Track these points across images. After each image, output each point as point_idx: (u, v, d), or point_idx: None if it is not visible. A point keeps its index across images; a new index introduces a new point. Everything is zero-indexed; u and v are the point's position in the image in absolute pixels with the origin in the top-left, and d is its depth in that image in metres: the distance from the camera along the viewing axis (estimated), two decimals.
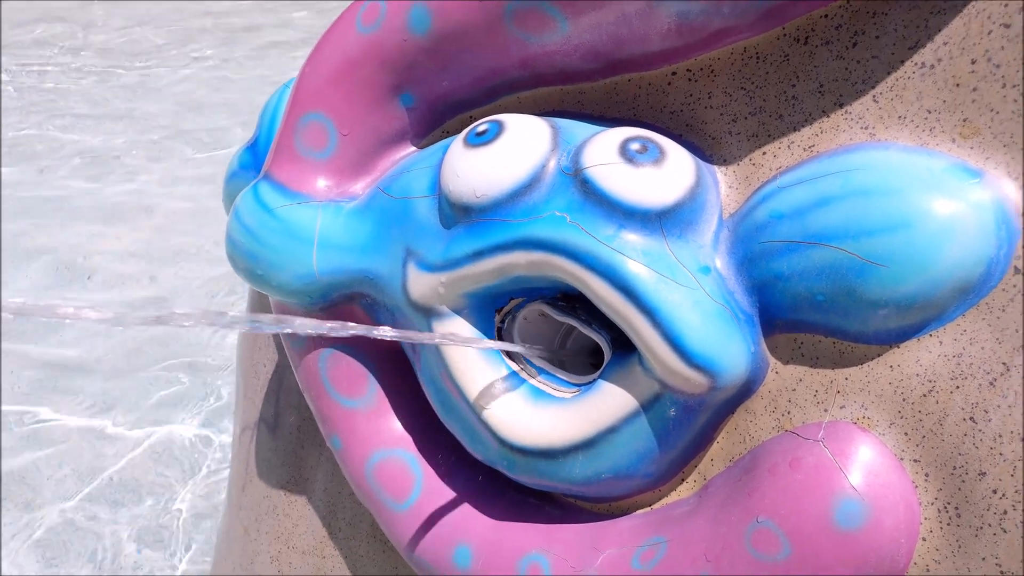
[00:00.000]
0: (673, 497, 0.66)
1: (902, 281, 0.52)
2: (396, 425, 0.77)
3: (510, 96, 0.71)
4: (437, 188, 0.66)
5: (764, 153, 0.60)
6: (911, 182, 0.53)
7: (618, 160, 0.59)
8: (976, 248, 0.52)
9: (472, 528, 0.70)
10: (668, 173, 0.59)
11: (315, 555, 0.91)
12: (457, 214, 0.64)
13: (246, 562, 0.98)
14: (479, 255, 0.62)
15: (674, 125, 0.64)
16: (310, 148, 0.73)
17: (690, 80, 0.63)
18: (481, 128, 0.64)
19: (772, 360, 0.60)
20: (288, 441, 0.93)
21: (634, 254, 0.58)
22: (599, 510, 0.69)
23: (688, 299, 0.58)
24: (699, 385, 0.58)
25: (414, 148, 0.75)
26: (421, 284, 0.66)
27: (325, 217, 0.72)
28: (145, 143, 3.13)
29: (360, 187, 0.74)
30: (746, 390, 0.61)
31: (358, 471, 0.77)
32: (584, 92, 0.68)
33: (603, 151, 0.60)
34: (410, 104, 0.72)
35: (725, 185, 0.62)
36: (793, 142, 0.59)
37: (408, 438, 0.76)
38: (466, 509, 0.71)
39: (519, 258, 0.61)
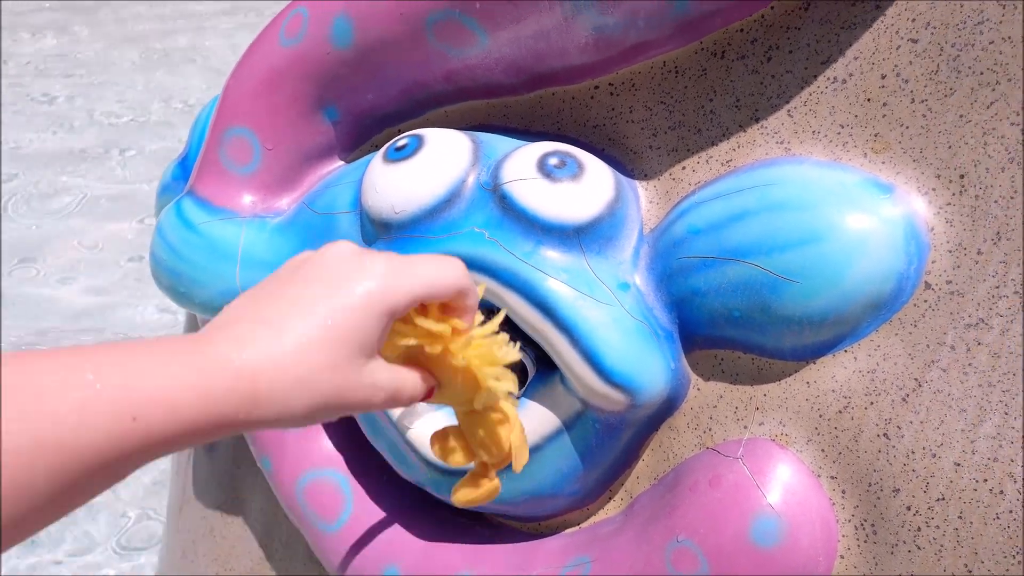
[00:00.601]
0: (601, 516, 0.65)
1: (814, 296, 0.52)
2: (327, 445, 0.75)
3: (437, 110, 0.70)
4: (359, 204, 0.65)
5: (683, 167, 0.60)
6: (824, 197, 0.53)
7: (536, 175, 0.58)
8: (886, 263, 0.51)
9: (401, 549, 0.69)
10: (587, 188, 0.58)
11: None
12: (378, 230, 0.63)
13: None
14: None
15: (597, 139, 0.64)
16: (234, 163, 0.72)
17: (612, 94, 0.62)
18: (401, 143, 0.63)
19: (694, 377, 0.59)
20: (224, 462, 0.91)
21: (552, 271, 0.57)
22: (528, 529, 0.68)
23: (607, 316, 0.57)
24: (619, 403, 0.57)
25: (342, 162, 0.73)
26: None
27: (249, 233, 0.71)
28: None
29: (286, 202, 0.73)
30: (668, 407, 0.60)
31: (288, 492, 0.75)
32: (509, 106, 0.67)
33: (521, 166, 0.59)
34: (335, 118, 0.71)
35: (646, 200, 0.61)
36: (711, 156, 0.59)
37: (339, 458, 0.75)
38: (396, 530, 0.70)
39: None
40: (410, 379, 0.40)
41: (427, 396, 0.42)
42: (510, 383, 0.42)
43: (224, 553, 0.91)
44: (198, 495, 0.95)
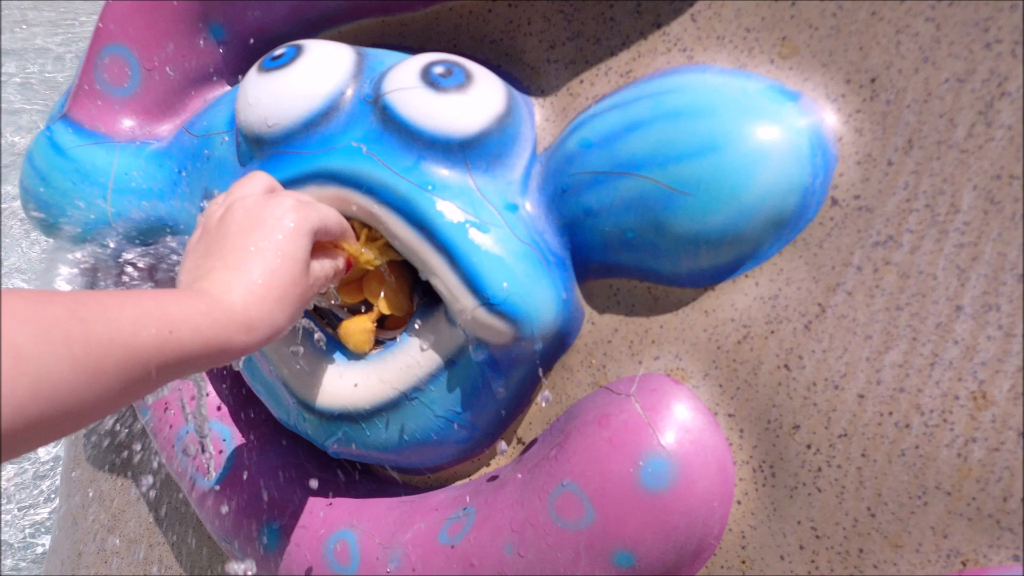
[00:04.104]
0: (493, 467, 0.60)
1: (710, 211, 0.47)
2: (210, 394, 0.69)
3: (331, 30, 0.65)
4: (235, 122, 0.60)
5: (581, 81, 0.55)
6: (723, 104, 0.48)
7: (419, 85, 0.53)
8: (789, 176, 0.47)
9: (283, 504, 0.64)
10: (474, 99, 0.53)
11: (143, 542, 0.83)
12: (252, 148, 0.57)
13: (74, 554, 0.89)
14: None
15: (494, 56, 0.58)
16: (110, 84, 0.66)
17: (510, 6, 0.57)
18: (278, 52, 0.57)
19: (588, 309, 0.54)
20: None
21: (433, 188, 0.52)
22: (418, 483, 0.63)
23: (491, 239, 0.52)
24: (504, 334, 0.52)
25: (229, 88, 0.68)
26: None
27: (123, 159, 0.65)
28: None
29: (168, 128, 0.67)
30: (561, 343, 0.55)
31: (167, 443, 0.69)
32: (405, 24, 0.62)
33: (404, 76, 0.54)
34: (221, 37, 0.65)
35: (541, 117, 0.56)
36: (611, 68, 0.54)
37: (224, 410, 0.69)
38: (278, 485, 0.64)
39: (313, 194, 0.54)
40: (328, 263, 0.50)
41: (348, 266, 0.53)
42: (372, 255, 0.54)
43: (112, 518, 0.85)
44: (89, 458, 0.88)
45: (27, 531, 1.40)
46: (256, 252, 0.45)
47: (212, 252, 0.46)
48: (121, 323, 0.37)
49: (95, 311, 0.36)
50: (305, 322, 0.57)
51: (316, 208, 0.49)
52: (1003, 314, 0.43)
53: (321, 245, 0.51)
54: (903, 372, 0.44)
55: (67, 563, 0.90)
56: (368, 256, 0.54)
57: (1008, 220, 0.43)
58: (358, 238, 0.54)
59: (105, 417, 0.41)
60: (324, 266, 0.50)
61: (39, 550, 1.36)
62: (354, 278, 0.56)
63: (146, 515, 0.82)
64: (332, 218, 0.51)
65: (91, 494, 0.87)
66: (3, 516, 1.41)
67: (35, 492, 1.47)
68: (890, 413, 0.45)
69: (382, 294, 0.56)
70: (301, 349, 0.59)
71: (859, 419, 0.45)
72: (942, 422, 0.44)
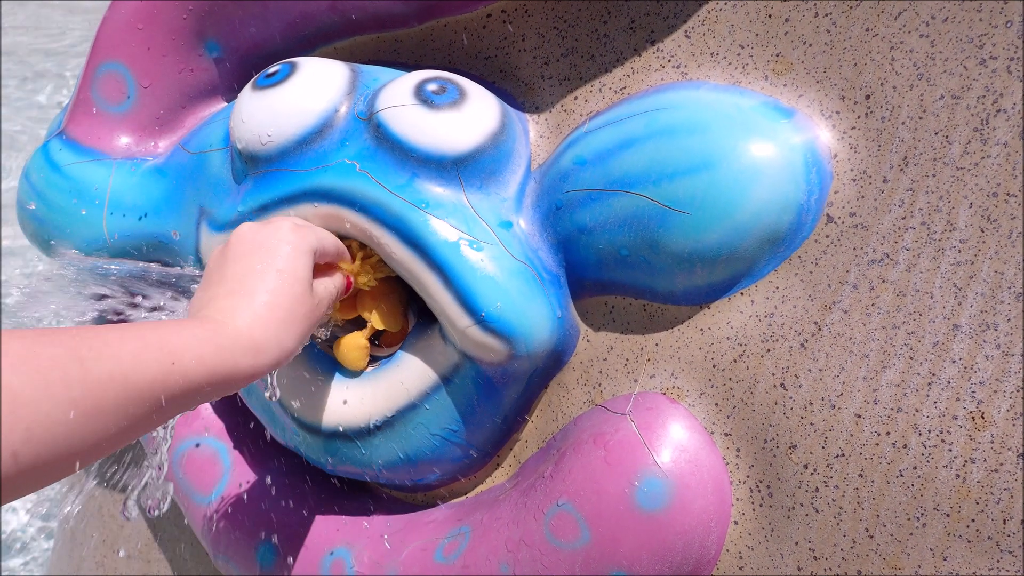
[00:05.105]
0: (489, 484, 0.59)
1: (705, 229, 0.47)
2: (207, 411, 0.69)
3: (327, 46, 0.65)
4: (230, 139, 0.59)
5: (576, 98, 0.55)
6: (717, 121, 0.47)
7: (413, 102, 0.53)
8: (784, 193, 0.46)
9: (279, 522, 0.63)
10: (468, 117, 0.53)
11: (140, 559, 0.83)
12: (247, 165, 0.57)
13: (73, 569, 0.89)
14: (265, 210, 0.55)
15: (488, 72, 0.58)
16: (107, 101, 0.66)
17: (505, 22, 0.57)
18: (272, 70, 0.57)
19: (583, 327, 0.54)
20: None
21: (427, 206, 0.52)
22: (415, 501, 0.62)
23: (484, 256, 0.51)
24: (498, 352, 0.52)
25: (225, 104, 0.68)
26: (214, 246, 0.59)
27: (119, 176, 0.65)
28: None
29: (164, 144, 0.67)
30: (556, 361, 0.54)
31: (165, 459, 0.69)
32: (400, 40, 0.62)
33: (398, 93, 0.54)
34: (217, 54, 0.65)
35: (536, 134, 0.56)
36: (605, 84, 0.54)
37: (220, 424, 0.69)
38: (273, 503, 0.64)
39: (306, 212, 0.54)
40: (332, 282, 0.51)
41: (349, 285, 0.53)
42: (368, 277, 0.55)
43: (113, 533, 0.85)
44: (88, 472, 0.88)
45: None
46: (256, 275, 0.45)
47: (213, 282, 0.46)
48: (122, 358, 0.36)
49: (95, 348, 0.36)
50: None
51: (313, 230, 0.50)
52: (1001, 333, 0.42)
53: (320, 267, 0.51)
54: (900, 392, 0.44)
55: None
56: (364, 277, 0.54)
57: (1005, 238, 0.42)
58: (354, 259, 0.54)
59: (111, 453, 0.39)
60: (327, 286, 0.49)
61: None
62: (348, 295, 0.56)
63: (145, 531, 0.82)
64: (329, 240, 0.51)
65: (89, 509, 0.87)
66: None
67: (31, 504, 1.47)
68: (887, 433, 0.44)
69: (374, 311, 0.55)
70: (296, 365, 0.58)
71: (856, 439, 0.45)
72: (940, 442, 0.43)
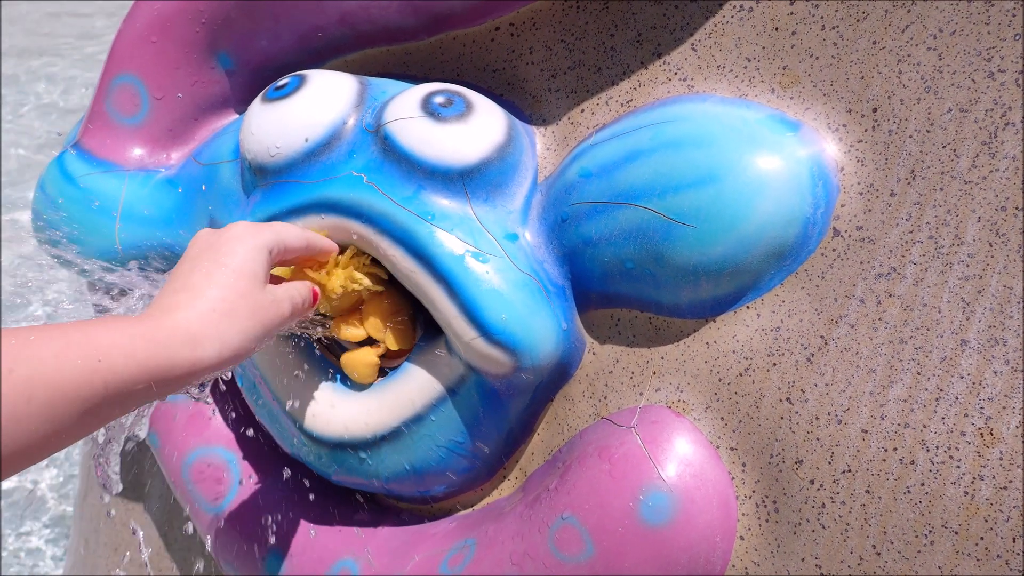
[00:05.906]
0: (495, 496, 0.59)
1: (710, 242, 0.47)
2: (217, 422, 0.70)
3: (337, 59, 0.65)
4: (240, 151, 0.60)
5: (582, 110, 0.55)
6: (723, 134, 0.47)
7: (420, 114, 0.53)
8: (790, 207, 0.46)
9: (286, 532, 0.63)
10: (474, 129, 0.53)
11: (152, 567, 0.83)
12: (256, 177, 0.58)
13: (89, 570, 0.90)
14: (272, 221, 0.56)
15: (496, 84, 0.58)
16: (120, 113, 0.67)
17: (512, 35, 0.57)
18: (281, 82, 0.58)
19: (589, 340, 0.54)
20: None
21: (433, 218, 0.52)
22: (421, 512, 0.62)
23: (490, 268, 0.51)
24: (503, 364, 0.52)
25: (237, 116, 0.68)
26: None
27: (132, 187, 0.66)
28: None
29: (177, 156, 0.68)
30: (562, 374, 0.54)
31: (175, 469, 0.70)
32: (410, 53, 0.62)
33: (405, 106, 0.54)
34: (230, 67, 0.66)
35: (542, 146, 0.56)
36: (611, 97, 0.54)
37: (229, 435, 0.69)
38: (282, 512, 0.64)
39: (314, 223, 0.55)
40: (297, 287, 0.49)
41: (315, 299, 0.51)
42: (339, 281, 0.53)
43: (125, 541, 0.85)
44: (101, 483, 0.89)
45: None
46: (202, 272, 0.44)
47: (170, 281, 0.46)
48: (43, 359, 0.35)
49: (15, 350, 0.35)
50: (304, 345, 0.57)
51: (270, 226, 0.49)
52: (1010, 348, 0.42)
53: (307, 263, 0.51)
54: (908, 407, 0.43)
55: None
56: (335, 283, 0.53)
57: (1014, 252, 0.42)
58: (337, 265, 0.53)
59: (43, 459, 0.38)
60: (293, 289, 0.48)
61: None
62: (346, 307, 0.56)
63: (156, 539, 0.82)
64: (292, 234, 0.49)
65: (102, 520, 0.88)
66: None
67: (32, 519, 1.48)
68: (895, 449, 0.44)
69: (388, 332, 0.55)
70: (302, 376, 0.59)
71: (863, 455, 0.44)
72: (948, 459, 0.43)
